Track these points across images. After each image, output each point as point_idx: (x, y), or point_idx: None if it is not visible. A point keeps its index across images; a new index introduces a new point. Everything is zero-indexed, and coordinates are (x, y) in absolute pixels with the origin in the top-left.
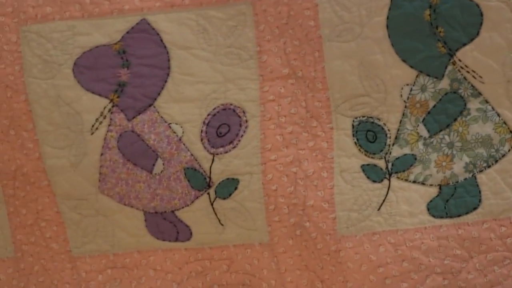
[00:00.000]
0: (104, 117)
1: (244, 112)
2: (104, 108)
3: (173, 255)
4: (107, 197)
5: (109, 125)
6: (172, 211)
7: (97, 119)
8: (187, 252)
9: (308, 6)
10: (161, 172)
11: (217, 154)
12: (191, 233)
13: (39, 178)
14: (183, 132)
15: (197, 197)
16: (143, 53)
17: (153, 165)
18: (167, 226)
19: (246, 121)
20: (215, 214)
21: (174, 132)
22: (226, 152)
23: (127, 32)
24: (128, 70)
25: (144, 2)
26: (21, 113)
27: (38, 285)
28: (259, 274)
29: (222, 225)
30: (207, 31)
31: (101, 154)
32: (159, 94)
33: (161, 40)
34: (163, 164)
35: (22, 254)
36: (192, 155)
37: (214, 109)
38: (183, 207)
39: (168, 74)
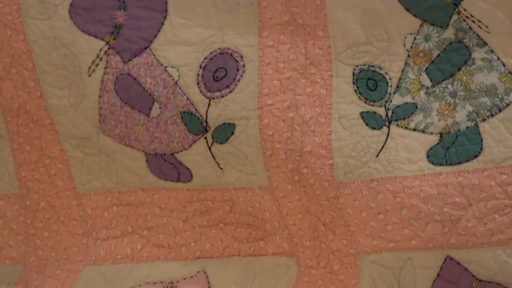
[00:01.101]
0: (101, 59)
1: (241, 57)
2: (100, 50)
3: (176, 194)
4: (108, 137)
5: (106, 68)
6: (172, 154)
7: (93, 61)
8: (190, 193)
9: None
10: (158, 115)
11: (213, 98)
12: (191, 175)
13: (42, 116)
14: (179, 76)
15: (194, 141)
16: None
17: (150, 108)
18: (168, 167)
19: (244, 65)
20: (214, 158)
21: (170, 76)
22: (223, 96)
23: None
24: (125, 12)
25: None
26: (21, 52)
27: (44, 222)
28: (262, 216)
29: (221, 168)
30: None
31: (99, 96)
32: (155, 37)
33: None
34: (160, 107)
35: (28, 191)
36: (188, 99)
37: (211, 53)
38: (181, 151)
39: (165, 17)
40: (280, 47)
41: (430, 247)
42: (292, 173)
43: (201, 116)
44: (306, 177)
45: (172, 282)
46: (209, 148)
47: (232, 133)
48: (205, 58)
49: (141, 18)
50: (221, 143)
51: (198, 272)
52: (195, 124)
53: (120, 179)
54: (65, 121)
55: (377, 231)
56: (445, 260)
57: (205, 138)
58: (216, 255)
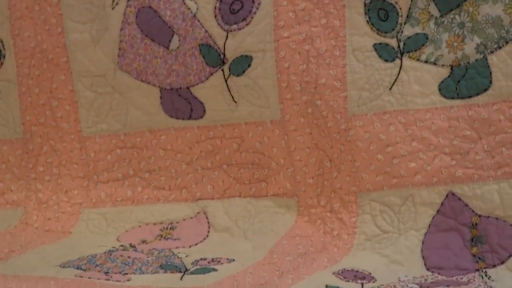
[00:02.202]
0: None
1: None
2: None
3: (185, 134)
4: (125, 73)
5: (128, 1)
6: (187, 88)
7: None
8: (199, 131)
9: None
10: (177, 48)
11: (231, 31)
12: (204, 110)
13: (58, 54)
14: (197, 9)
15: (211, 74)
16: None
17: (169, 41)
18: (182, 102)
19: None
20: (229, 91)
21: (189, 9)
22: (240, 29)
23: None
24: None
25: None
26: None
27: (46, 166)
28: (269, 153)
29: (235, 102)
30: None
31: (121, 29)
32: None
33: None
34: (179, 40)
35: (31, 135)
36: (206, 31)
37: None
38: (197, 84)
39: None
40: None
41: (433, 182)
42: (306, 105)
43: (219, 48)
44: (319, 109)
45: (171, 223)
46: (225, 81)
47: (249, 65)
48: None
49: None
50: (238, 76)
51: (198, 213)
52: (213, 56)
53: (129, 120)
54: (82, 58)
55: (382, 166)
56: (446, 196)
57: (222, 70)
58: (216, 197)
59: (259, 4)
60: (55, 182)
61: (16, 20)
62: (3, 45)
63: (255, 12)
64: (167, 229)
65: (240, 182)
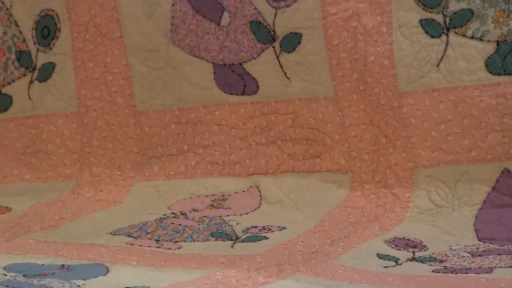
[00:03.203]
0: None
1: None
2: None
3: (239, 109)
4: (178, 48)
5: None
6: (240, 64)
7: None
8: (253, 106)
9: None
10: (228, 24)
11: (279, 8)
12: (257, 86)
13: (112, 29)
14: None
15: (263, 50)
16: None
17: (220, 17)
18: (235, 78)
19: None
20: (281, 67)
21: None
22: (288, 6)
23: None
24: None
25: None
26: None
27: (100, 140)
28: (323, 128)
29: (288, 78)
30: None
31: (172, 5)
32: None
33: None
34: (230, 16)
35: (86, 109)
36: (255, 8)
37: None
38: (250, 60)
39: None
40: None
41: (488, 159)
42: (357, 82)
43: (268, 25)
44: (371, 86)
45: (223, 195)
46: (277, 57)
47: (299, 42)
48: None
49: None
50: (289, 52)
51: (251, 187)
52: (263, 33)
53: (183, 95)
54: (135, 33)
55: (437, 142)
56: (501, 173)
57: (273, 47)
58: (270, 172)
59: None
60: (109, 156)
61: None
62: (58, 19)
63: None
64: (218, 200)
65: (293, 157)
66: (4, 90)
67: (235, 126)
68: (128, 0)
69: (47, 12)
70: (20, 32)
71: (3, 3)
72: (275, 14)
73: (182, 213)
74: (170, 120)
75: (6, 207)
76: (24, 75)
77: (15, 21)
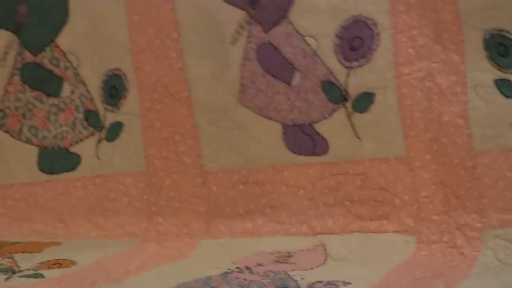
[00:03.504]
0: (243, 29)
1: (375, 24)
2: (242, 19)
3: (308, 169)
4: (246, 109)
5: (248, 37)
6: (310, 124)
7: (237, 31)
8: (323, 167)
9: None
10: (299, 84)
11: (352, 68)
12: (327, 147)
13: (179, 89)
14: (317, 45)
15: (334, 110)
16: None
17: (291, 77)
18: (305, 139)
19: (378, 34)
20: (352, 127)
21: (309, 45)
22: (360, 66)
23: None
24: None
25: None
26: (167, 22)
27: (168, 200)
28: (393, 189)
29: (359, 138)
30: None
31: (242, 65)
32: (290, 5)
33: None
34: (301, 77)
35: (154, 168)
36: (328, 68)
37: (346, 21)
38: (320, 120)
39: None
40: (412, 12)
41: None
42: (430, 142)
43: (341, 85)
44: (444, 146)
45: (289, 252)
46: (349, 117)
47: (372, 102)
48: (340, 27)
49: None
50: (361, 112)
51: (316, 245)
52: (335, 93)
53: (251, 155)
54: (204, 93)
55: (510, 203)
56: None
57: (345, 107)
58: (336, 231)
59: (378, 41)
60: (176, 216)
61: (137, 53)
62: (126, 78)
63: (374, 49)
64: (284, 256)
65: (361, 218)
66: (72, 149)
67: (304, 187)
68: (196, 61)
69: (114, 71)
70: (88, 92)
71: (70, 62)
72: (348, 74)
73: (246, 267)
74: (238, 181)
75: (71, 260)
76: (92, 134)
77: (82, 80)
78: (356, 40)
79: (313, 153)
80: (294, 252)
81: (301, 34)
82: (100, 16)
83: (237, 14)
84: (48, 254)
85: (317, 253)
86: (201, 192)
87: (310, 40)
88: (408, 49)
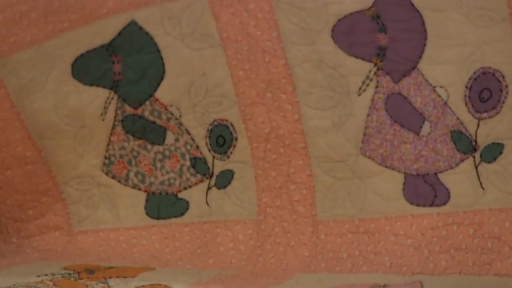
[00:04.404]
0: (371, 80)
1: (503, 76)
2: (370, 71)
3: (422, 220)
4: (368, 159)
5: (376, 87)
6: (435, 173)
7: (363, 82)
8: (438, 217)
9: None
10: (428, 134)
11: (482, 119)
12: (449, 197)
13: (295, 140)
14: (448, 96)
15: (462, 160)
16: (397, 17)
17: (420, 127)
18: (426, 189)
19: (506, 86)
20: (478, 177)
21: (439, 96)
22: (490, 117)
23: None
24: (386, 35)
25: None
26: (280, 77)
27: (274, 245)
28: (505, 237)
29: (483, 188)
30: None
31: (368, 115)
32: (420, 57)
33: (412, 4)
34: (430, 126)
35: (265, 216)
36: (458, 118)
37: (475, 73)
38: (447, 170)
39: (425, 38)
40: None
41: None
42: None
43: (470, 135)
44: None
45: (385, 284)
46: (476, 167)
47: (501, 153)
48: (469, 78)
49: (403, 40)
50: (489, 162)
51: (414, 281)
52: (464, 143)
53: (366, 205)
54: (322, 144)
55: None
56: None
57: (473, 157)
58: (436, 273)
59: (506, 93)
60: (278, 260)
61: (247, 106)
62: (234, 129)
63: (503, 101)
64: (379, 286)
65: (463, 263)
66: (180, 195)
67: (412, 237)
68: (315, 112)
69: (220, 121)
70: (193, 140)
71: (172, 114)
72: (478, 124)
73: None
74: (348, 230)
75: (166, 286)
76: (201, 181)
77: (186, 129)
78: (485, 92)
79: (432, 204)
80: (389, 285)
81: (431, 85)
82: (198, 70)
83: (364, 67)
84: (143, 280)
85: (413, 286)
86: (308, 239)
87: (440, 90)
88: None
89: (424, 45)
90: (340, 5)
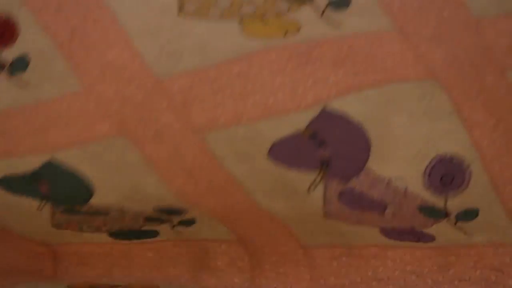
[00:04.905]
0: (318, 183)
1: (462, 160)
2: (315, 179)
3: (414, 251)
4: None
5: (325, 187)
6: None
7: (310, 186)
8: (431, 250)
9: None
10: (394, 213)
11: (449, 196)
12: (434, 238)
13: None
14: (406, 184)
15: (436, 223)
16: (336, 132)
17: (384, 210)
18: (407, 235)
19: (468, 166)
20: (459, 230)
21: (397, 186)
22: (459, 193)
23: None
24: (327, 149)
25: None
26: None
27: (271, 264)
28: (508, 271)
29: (467, 234)
30: None
31: (323, 206)
32: (366, 160)
33: (349, 118)
34: (394, 208)
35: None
36: (422, 199)
37: (430, 162)
38: (422, 229)
39: (369, 144)
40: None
41: None
42: None
43: (440, 208)
44: None
45: None
46: (454, 225)
47: (477, 215)
48: (426, 167)
49: (346, 150)
50: (466, 221)
51: None
52: (435, 213)
53: (352, 238)
54: None
55: None
56: None
57: (448, 220)
58: None
59: (470, 172)
60: (278, 281)
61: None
62: None
63: (469, 179)
64: None
65: None
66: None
67: (410, 263)
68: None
69: None
70: None
71: None
72: (446, 200)
73: None
74: (340, 253)
75: None
76: None
77: None
78: (447, 175)
79: (418, 241)
80: None
81: (385, 178)
82: None
83: (310, 175)
84: None
85: None
86: (304, 261)
87: (397, 180)
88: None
89: (369, 150)
90: (275, 131)
